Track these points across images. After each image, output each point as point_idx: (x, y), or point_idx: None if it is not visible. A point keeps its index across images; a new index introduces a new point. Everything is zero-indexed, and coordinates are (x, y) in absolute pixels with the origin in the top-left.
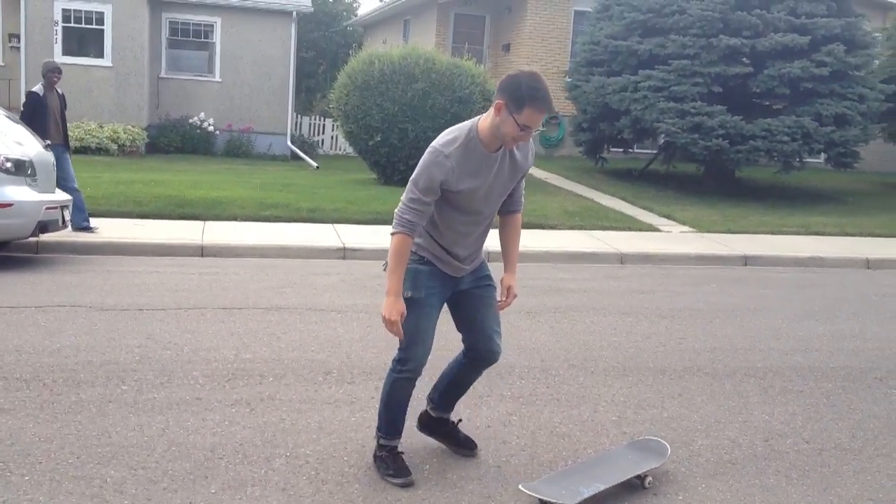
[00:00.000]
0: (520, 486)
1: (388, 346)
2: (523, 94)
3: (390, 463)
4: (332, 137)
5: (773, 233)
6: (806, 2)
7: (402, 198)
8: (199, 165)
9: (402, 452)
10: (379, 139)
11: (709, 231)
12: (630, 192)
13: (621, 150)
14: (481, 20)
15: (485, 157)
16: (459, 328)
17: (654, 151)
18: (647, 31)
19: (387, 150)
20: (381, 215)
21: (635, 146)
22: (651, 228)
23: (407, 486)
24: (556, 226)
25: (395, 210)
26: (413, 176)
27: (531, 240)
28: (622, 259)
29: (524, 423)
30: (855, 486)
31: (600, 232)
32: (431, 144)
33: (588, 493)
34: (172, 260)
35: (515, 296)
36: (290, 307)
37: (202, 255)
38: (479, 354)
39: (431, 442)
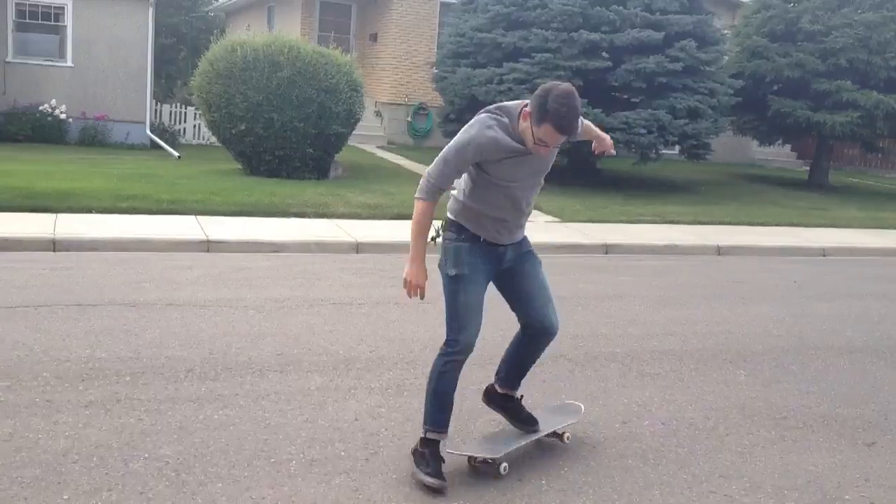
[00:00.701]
0: (447, 450)
1: (255, 341)
2: (546, 109)
3: (430, 461)
4: (194, 126)
5: (631, 221)
6: None
7: (433, 163)
8: (52, 155)
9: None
10: (243, 128)
11: (572, 220)
12: None
13: None
14: (347, 9)
15: (519, 145)
16: (512, 307)
17: None
18: (511, 24)
19: (252, 140)
20: (246, 207)
21: None
22: None
23: (440, 490)
24: None
25: (423, 176)
26: (445, 148)
27: (400, 230)
28: None
29: (392, 413)
30: (707, 464)
31: None
32: (472, 122)
33: (510, 447)
34: (21, 255)
35: (608, 142)
36: (149, 302)
37: (54, 250)
38: (534, 329)
39: (301, 439)
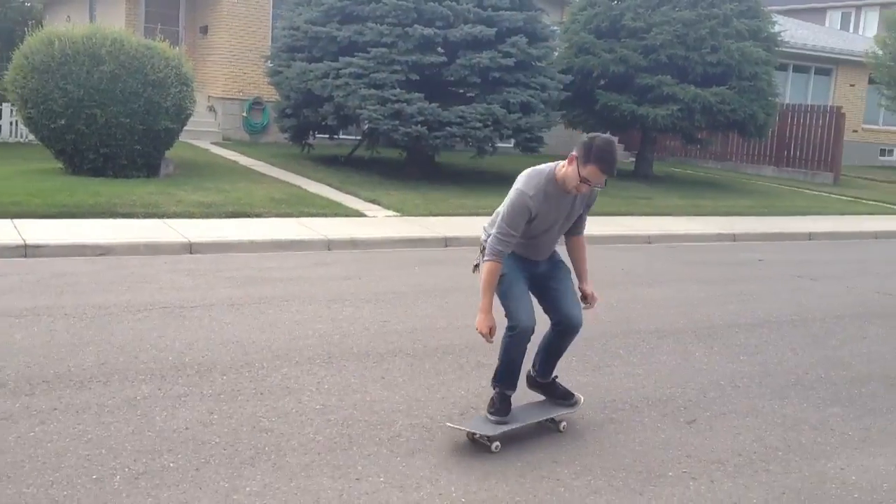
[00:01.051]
0: (447, 424)
1: (75, 351)
2: (592, 153)
3: (498, 404)
4: (10, 123)
5: (470, 214)
6: None
7: (494, 231)
8: None
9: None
10: (63, 124)
11: (412, 214)
12: (336, 178)
13: (327, 136)
14: (176, 0)
15: (560, 194)
16: (545, 309)
17: (359, 138)
18: (345, 18)
19: (73, 138)
20: (68, 208)
21: (341, 132)
22: (357, 214)
23: (501, 423)
24: (261, 214)
25: (489, 241)
26: (503, 213)
27: (236, 229)
28: (329, 245)
29: (225, 420)
30: (540, 450)
31: (307, 219)
32: (516, 187)
33: (507, 428)
34: None
35: (596, 299)
36: None
37: None
38: (564, 325)
39: (127, 452)
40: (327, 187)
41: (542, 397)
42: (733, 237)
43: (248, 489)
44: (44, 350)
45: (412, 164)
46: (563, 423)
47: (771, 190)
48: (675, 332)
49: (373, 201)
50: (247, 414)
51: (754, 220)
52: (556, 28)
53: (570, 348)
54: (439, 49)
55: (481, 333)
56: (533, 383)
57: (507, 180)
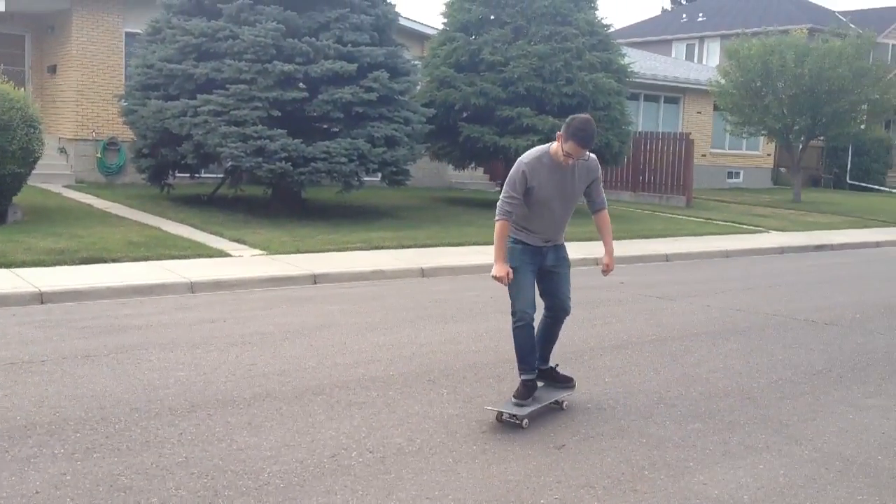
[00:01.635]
0: (486, 407)
1: None
2: (570, 131)
3: (521, 390)
4: None
5: (339, 250)
6: (350, 31)
7: (501, 196)
8: None
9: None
10: None
11: (279, 252)
12: (199, 217)
13: (188, 175)
14: (20, 39)
15: (554, 167)
16: (542, 296)
17: (221, 176)
18: (202, 55)
19: None
20: None
21: (202, 171)
22: (222, 254)
23: (521, 405)
24: (118, 259)
25: (497, 205)
26: (506, 180)
27: (90, 276)
28: (192, 288)
29: (79, 481)
30: (414, 488)
31: (168, 261)
32: (519, 159)
33: (531, 408)
34: None
35: (612, 269)
36: None
37: None
38: (556, 312)
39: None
40: (189, 228)
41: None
42: (595, 261)
43: None
44: None
45: (278, 201)
46: (566, 403)
47: (629, 214)
48: None
49: (238, 241)
50: (103, 472)
51: (615, 244)
52: (417, 62)
53: (444, 381)
54: (300, 84)
55: (497, 278)
56: (539, 373)
57: (374, 213)
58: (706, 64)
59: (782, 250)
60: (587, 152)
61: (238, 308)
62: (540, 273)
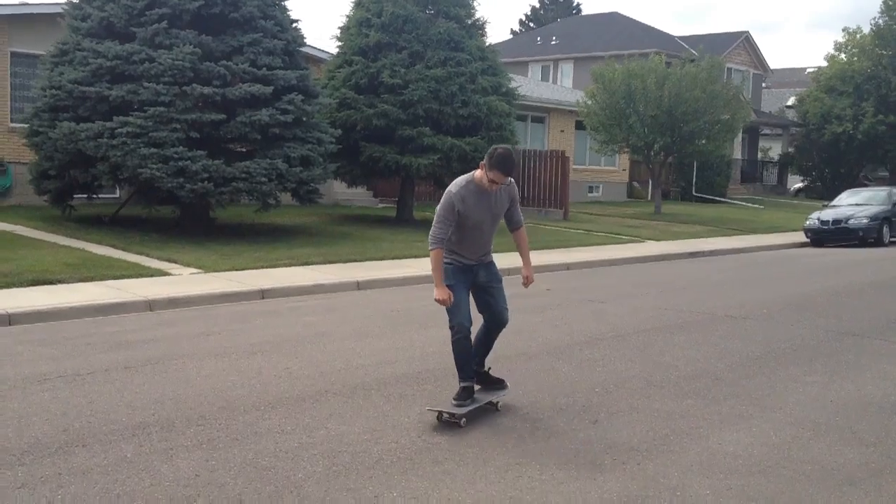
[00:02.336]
0: (427, 407)
1: None
2: (493, 161)
3: (460, 393)
4: None
5: (271, 266)
6: (263, 55)
7: (434, 224)
8: None
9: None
10: None
11: (215, 270)
12: (114, 239)
13: (85, 196)
14: None
15: (481, 192)
16: (480, 311)
17: (117, 196)
18: (116, 78)
19: None
20: None
21: (99, 193)
22: (160, 273)
23: (461, 406)
24: (64, 280)
25: (429, 233)
26: (437, 210)
27: (49, 297)
28: (151, 306)
29: (225, 465)
30: (511, 455)
31: (112, 281)
32: (448, 189)
33: (469, 408)
34: None
35: (532, 280)
36: None
37: None
38: (494, 323)
39: None
40: (112, 248)
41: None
42: (507, 272)
43: None
44: None
45: (188, 221)
46: (500, 403)
47: None
48: (533, 354)
49: (168, 260)
50: (239, 458)
51: (516, 256)
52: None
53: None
54: (218, 107)
55: (439, 301)
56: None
57: (283, 232)
58: (561, 85)
59: (663, 257)
60: (510, 179)
61: (215, 322)
62: (475, 290)
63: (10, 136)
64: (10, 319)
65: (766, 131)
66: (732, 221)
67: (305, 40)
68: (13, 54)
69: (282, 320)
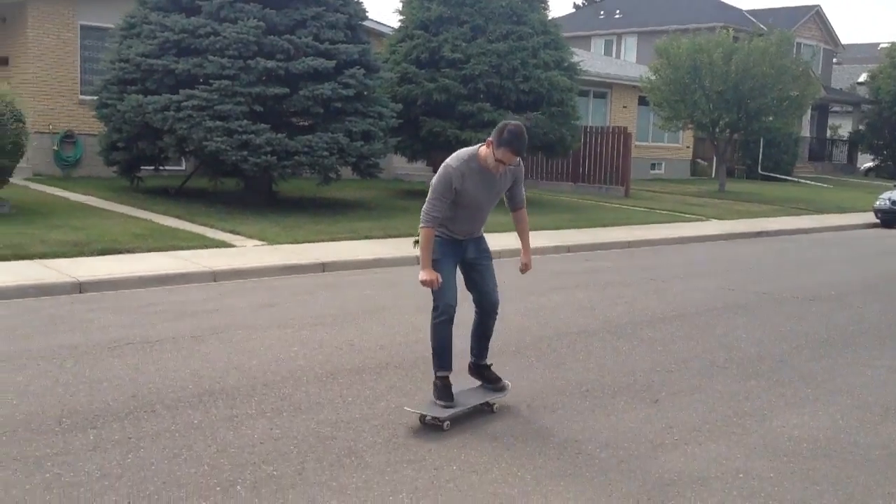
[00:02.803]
0: (406, 407)
1: None
2: (503, 138)
3: (440, 390)
4: None
5: (332, 240)
6: (326, 29)
7: (427, 201)
8: None
9: (451, 384)
10: None
11: (278, 243)
12: (180, 210)
13: (152, 168)
14: None
15: (484, 173)
16: (468, 287)
17: (183, 168)
18: (182, 51)
19: None
20: None
21: (166, 164)
22: (224, 244)
23: (448, 408)
24: (132, 250)
25: (422, 210)
26: (432, 184)
27: (117, 266)
28: (215, 277)
29: (288, 434)
30: (597, 420)
31: (179, 252)
32: (446, 162)
33: (454, 411)
34: None
35: (530, 268)
36: None
37: None
38: (484, 307)
39: None
40: (178, 220)
41: (477, 383)
42: (567, 248)
43: None
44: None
45: (252, 194)
46: (496, 405)
47: (575, 205)
48: (594, 332)
49: (232, 231)
50: (302, 427)
51: (577, 232)
52: (383, 60)
53: (529, 351)
54: (281, 81)
55: (424, 283)
56: (472, 370)
57: (344, 205)
58: (624, 59)
59: (727, 236)
60: (518, 159)
61: (278, 294)
62: (463, 267)
63: (81, 109)
64: (81, 287)
65: (836, 108)
66: (799, 201)
67: (367, 14)
68: (83, 27)
69: (342, 293)
